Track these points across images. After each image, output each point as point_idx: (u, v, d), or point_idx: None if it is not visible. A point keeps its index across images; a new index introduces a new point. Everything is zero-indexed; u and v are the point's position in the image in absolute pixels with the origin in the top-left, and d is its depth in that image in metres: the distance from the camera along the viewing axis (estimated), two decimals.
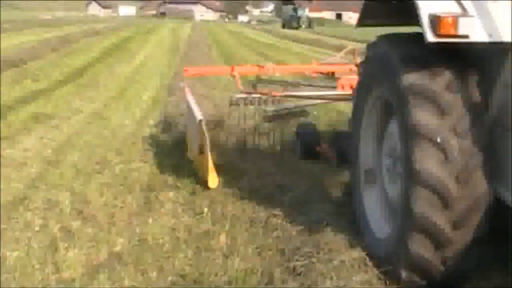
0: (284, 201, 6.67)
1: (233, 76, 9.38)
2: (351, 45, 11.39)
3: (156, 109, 13.47)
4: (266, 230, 5.97)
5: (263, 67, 9.66)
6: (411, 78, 4.66)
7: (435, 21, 4.49)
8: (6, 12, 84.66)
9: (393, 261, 4.76)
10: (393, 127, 5.23)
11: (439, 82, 4.62)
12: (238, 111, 9.17)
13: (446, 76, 4.64)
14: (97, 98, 15.45)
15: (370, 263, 4.92)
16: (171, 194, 7.13)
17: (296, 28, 78.03)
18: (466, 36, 4.50)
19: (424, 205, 4.51)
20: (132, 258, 5.41)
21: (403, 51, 4.89)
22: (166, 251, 5.58)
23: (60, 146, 9.80)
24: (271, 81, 9.84)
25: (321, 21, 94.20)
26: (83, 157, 8.98)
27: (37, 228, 6.10)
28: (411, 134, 4.57)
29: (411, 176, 4.56)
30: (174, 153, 8.93)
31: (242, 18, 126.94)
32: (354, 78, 8.73)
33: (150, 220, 6.35)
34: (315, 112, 11.10)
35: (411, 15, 4.77)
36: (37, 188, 7.46)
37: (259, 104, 9.15)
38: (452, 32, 4.47)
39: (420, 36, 4.61)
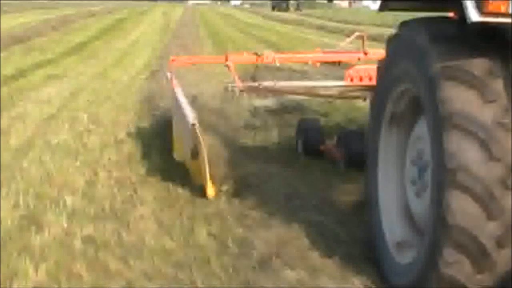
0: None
1: (227, 66, 8.36)
2: (358, 31, 9.79)
3: (147, 70, 16.69)
4: None
5: (261, 55, 8.55)
6: (447, 63, 3.94)
7: None
8: None
9: None
10: (419, 131, 4.47)
11: (480, 66, 3.90)
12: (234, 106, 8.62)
13: (487, 60, 3.92)
14: (98, 65, 18.63)
15: None
16: (158, 113, 10.29)
17: (285, 10, 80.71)
18: None
19: (461, 214, 3.76)
20: (130, 141, 8.75)
21: (435, 34, 4.13)
22: (154, 137, 8.81)
23: (74, 92, 13.09)
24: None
25: (313, 4, 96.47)
26: (92, 96, 12.33)
27: (66, 129, 9.43)
28: (446, 127, 3.83)
29: (444, 179, 3.82)
30: (159, 93, 12.07)
31: (235, 2, 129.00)
32: (364, 69, 8.04)
33: (143, 124, 9.66)
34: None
35: None
36: (62, 112, 10.80)
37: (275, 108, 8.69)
38: (502, 10, 3.72)
39: (454, 20, 4.03)
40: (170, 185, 6.86)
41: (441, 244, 3.83)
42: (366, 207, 5.15)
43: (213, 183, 6.45)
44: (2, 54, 20.07)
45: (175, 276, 4.83)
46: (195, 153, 6.54)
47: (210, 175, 6.41)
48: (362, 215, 5.82)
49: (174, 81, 8.42)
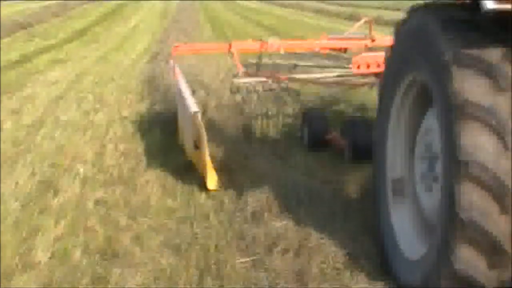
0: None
1: (231, 54, 8.36)
2: (366, 17, 9.66)
3: (147, 54, 17.28)
4: None
5: (266, 43, 8.54)
6: (459, 50, 3.81)
7: None
8: None
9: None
10: (429, 122, 4.35)
11: (494, 53, 3.74)
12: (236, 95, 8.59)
13: (501, 46, 3.76)
14: (100, 49, 19.21)
15: None
16: (158, 93, 10.94)
17: None
18: None
19: (473, 209, 3.66)
20: (134, 118, 9.39)
21: (446, 20, 4.02)
22: (155, 115, 9.41)
23: (79, 74, 13.74)
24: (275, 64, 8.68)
25: None
26: (97, 78, 13.02)
27: (74, 108, 10.11)
28: (457, 116, 3.71)
29: (456, 171, 3.69)
30: (159, 75, 12.70)
31: None
32: (371, 56, 7.85)
33: (145, 103, 10.32)
34: None
35: None
36: (69, 92, 11.48)
37: (263, 90, 8.50)
38: None
39: (465, 5, 3.94)
40: (172, 155, 7.50)
41: (453, 240, 3.74)
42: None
43: (214, 175, 6.41)
44: (5, 40, 20.71)
45: (178, 230, 5.52)
46: (197, 143, 6.55)
47: (211, 167, 6.41)
48: (344, 179, 6.57)
49: (177, 69, 8.41)
